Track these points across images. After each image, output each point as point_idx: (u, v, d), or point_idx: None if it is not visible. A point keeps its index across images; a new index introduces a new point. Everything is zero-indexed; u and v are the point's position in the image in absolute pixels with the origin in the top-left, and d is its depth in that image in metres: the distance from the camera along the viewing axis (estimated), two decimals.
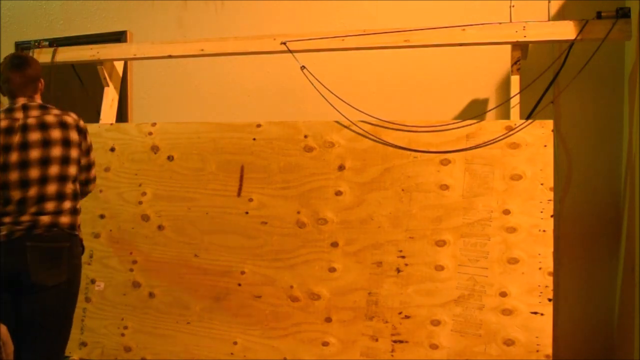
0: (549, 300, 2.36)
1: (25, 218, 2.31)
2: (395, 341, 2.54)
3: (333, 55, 3.12)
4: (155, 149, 3.09)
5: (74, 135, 2.40)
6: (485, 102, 3.13)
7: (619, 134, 2.87)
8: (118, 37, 3.97)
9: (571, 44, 2.59)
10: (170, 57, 3.21)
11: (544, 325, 2.35)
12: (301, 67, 2.85)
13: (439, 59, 3.16)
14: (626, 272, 2.65)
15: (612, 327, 2.89)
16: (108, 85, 3.42)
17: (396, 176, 2.66)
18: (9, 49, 4.43)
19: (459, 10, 3.10)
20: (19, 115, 2.38)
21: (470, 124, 2.60)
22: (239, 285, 2.85)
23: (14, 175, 2.31)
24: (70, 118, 2.42)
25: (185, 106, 3.77)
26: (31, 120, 2.36)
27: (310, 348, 2.67)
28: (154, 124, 3.14)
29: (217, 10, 3.72)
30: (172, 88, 3.84)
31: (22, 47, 4.34)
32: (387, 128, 2.71)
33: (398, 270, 2.59)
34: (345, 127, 2.78)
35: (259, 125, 2.95)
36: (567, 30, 2.55)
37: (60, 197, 2.35)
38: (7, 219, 2.33)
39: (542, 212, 2.42)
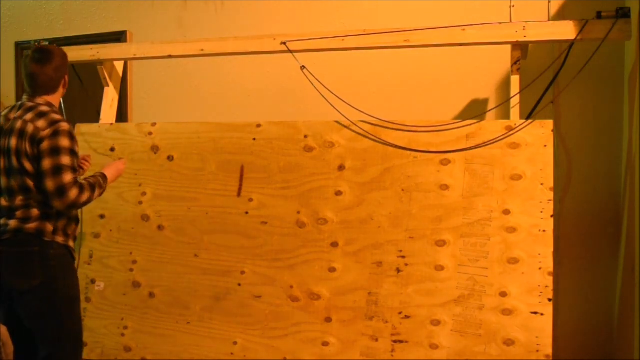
0: (549, 300, 2.36)
1: (1, 222, 2.29)
2: (395, 341, 2.54)
3: (333, 55, 3.11)
4: (155, 149, 3.09)
5: (25, 146, 2.22)
6: (485, 102, 3.12)
7: (619, 134, 2.87)
8: (118, 37, 3.97)
9: (571, 44, 2.59)
10: (170, 57, 3.21)
11: (544, 325, 2.35)
12: (301, 67, 2.84)
13: (439, 59, 3.16)
14: (626, 272, 2.64)
15: (612, 327, 2.89)
16: (108, 85, 3.42)
17: (396, 176, 2.66)
18: (9, 49, 4.43)
19: (459, 10, 3.10)
20: (11, 116, 2.32)
21: (470, 124, 2.60)
22: (239, 285, 2.85)
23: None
24: (32, 126, 2.23)
25: (185, 106, 3.77)
26: (7, 125, 2.30)
27: (310, 348, 2.67)
28: (154, 124, 3.14)
29: (217, 10, 3.72)
30: (172, 88, 3.84)
31: (22, 47, 4.34)
32: (387, 128, 2.71)
33: (398, 270, 2.59)
34: (345, 127, 2.78)
35: (259, 125, 2.95)
36: (567, 30, 2.55)
37: (26, 206, 2.26)
38: None
39: (542, 212, 2.42)
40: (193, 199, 2.98)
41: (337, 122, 2.80)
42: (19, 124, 2.25)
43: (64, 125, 2.25)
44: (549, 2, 2.69)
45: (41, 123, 2.23)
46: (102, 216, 3.13)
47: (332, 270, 2.69)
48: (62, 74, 2.37)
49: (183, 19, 3.81)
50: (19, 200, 2.26)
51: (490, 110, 3.04)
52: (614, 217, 2.86)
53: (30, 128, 2.22)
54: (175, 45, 3.18)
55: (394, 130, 2.70)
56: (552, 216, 2.41)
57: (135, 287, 3.01)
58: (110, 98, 3.43)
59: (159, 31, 3.84)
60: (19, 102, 2.36)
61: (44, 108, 2.30)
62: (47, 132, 2.21)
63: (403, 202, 2.63)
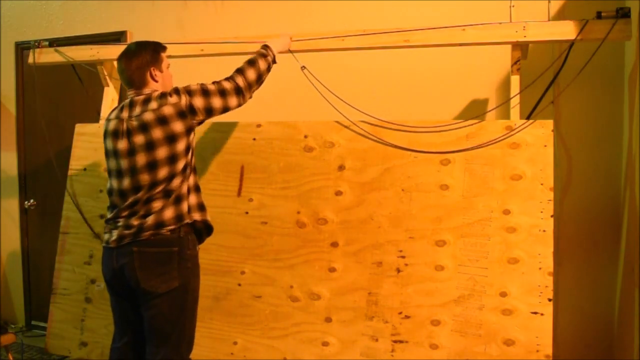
0: (549, 300, 2.35)
1: (134, 222, 2.26)
2: (395, 341, 2.54)
3: (333, 55, 3.11)
4: None
5: (177, 126, 2.28)
6: (485, 102, 3.13)
7: (619, 134, 2.87)
8: (118, 37, 3.97)
9: (571, 44, 2.59)
10: (170, 57, 3.19)
11: (544, 325, 2.35)
12: (301, 67, 2.84)
13: (439, 59, 3.16)
14: (626, 272, 2.65)
15: (612, 327, 2.89)
16: (108, 85, 3.42)
17: (396, 176, 2.66)
18: (9, 49, 4.43)
19: (459, 10, 3.10)
20: (125, 114, 2.34)
21: (471, 124, 2.60)
22: (239, 285, 2.85)
23: (126, 182, 2.28)
24: (168, 108, 2.28)
25: None
26: (133, 122, 2.29)
27: (310, 348, 2.67)
28: None
29: (217, 10, 3.72)
30: None
31: (22, 47, 4.34)
32: (387, 128, 2.71)
33: (398, 270, 2.59)
34: (345, 127, 2.78)
35: (259, 125, 2.95)
36: (567, 30, 2.55)
37: (166, 194, 2.26)
38: (119, 223, 2.29)
39: (542, 212, 2.42)
40: None
41: (337, 122, 2.80)
42: (149, 115, 2.27)
43: (177, 88, 2.39)
44: (549, 2, 2.69)
45: (173, 98, 2.33)
46: (102, 216, 3.13)
47: (332, 270, 2.69)
48: (143, 67, 2.41)
49: (183, 19, 3.81)
50: (147, 196, 2.25)
51: (490, 110, 3.04)
52: (614, 217, 2.86)
53: (167, 111, 2.28)
54: (175, 45, 3.18)
55: (394, 130, 2.70)
56: (552, 216, 2.41)
57: None
58: (110, 98, 3.43)
59: (159, 31, 3.83)
60: (128, 100, 2.39)
61: (155, 94, 2.36)
62: (184, 102, 2.34)
63: (403, 202, 2.63)
